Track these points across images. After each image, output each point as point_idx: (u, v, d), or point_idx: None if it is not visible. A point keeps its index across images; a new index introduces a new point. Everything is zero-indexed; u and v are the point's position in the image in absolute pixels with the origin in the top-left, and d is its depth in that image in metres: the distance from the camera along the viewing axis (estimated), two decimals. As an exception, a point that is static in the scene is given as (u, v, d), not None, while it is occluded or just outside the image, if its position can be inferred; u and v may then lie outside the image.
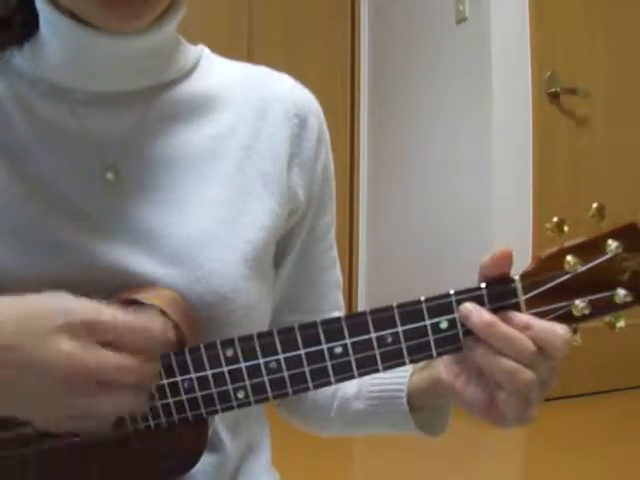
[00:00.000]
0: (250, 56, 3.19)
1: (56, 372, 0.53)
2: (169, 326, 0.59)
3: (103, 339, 0.55)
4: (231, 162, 0.72)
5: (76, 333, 0.54)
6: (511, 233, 2.70)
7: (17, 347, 0.53)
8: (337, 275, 0.86)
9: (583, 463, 2.19)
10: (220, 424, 0.72)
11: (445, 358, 0.63)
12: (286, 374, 0.61)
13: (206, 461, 0.69)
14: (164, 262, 0.66)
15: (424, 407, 0.74)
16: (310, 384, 0.61)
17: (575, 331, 0.60)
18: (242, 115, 0.75)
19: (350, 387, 0.78)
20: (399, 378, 0.74)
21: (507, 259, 0.60)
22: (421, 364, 0.72)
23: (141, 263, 0.66)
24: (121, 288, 0.64)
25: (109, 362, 0.54)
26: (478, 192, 2.81)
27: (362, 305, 3.53)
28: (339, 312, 0.84)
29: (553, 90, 2.82)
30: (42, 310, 0.55)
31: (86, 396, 0.54)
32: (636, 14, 2.99)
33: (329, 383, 0.61)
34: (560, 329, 0.57)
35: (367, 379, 0.76)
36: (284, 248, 0.79)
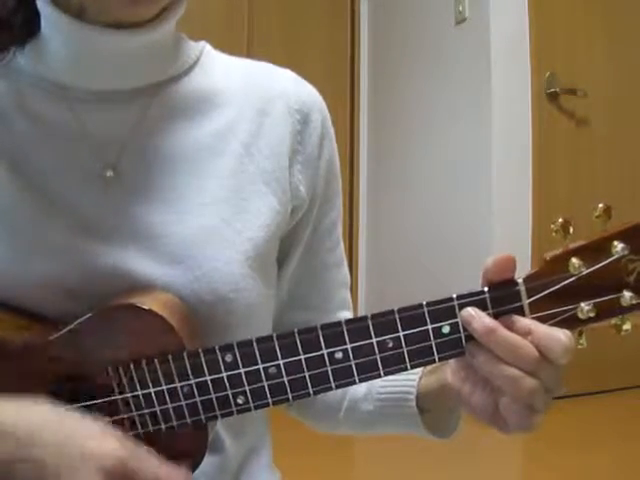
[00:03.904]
0: (249, 53, 3.18)
1: None
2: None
3: None
4: (232, 159, 0.72)
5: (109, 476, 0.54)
6: (511, 233, 2.70)
7: (47, 466, 0.53)
8: (344, 274, 0.85)
9: (583, 462, 2.18)
10: (222, 426, 0.72)
11: (452, 362, 0.62)
12: (286, 379, 0.60)
13: (208, 462, 0.68)
14: (163, 261, 0.66)
15: (433, 409, 0.73)
16: (310, 390, 0.60)
17: (580, 333, 0.59)
18: (243, 112, 0.74)
19: (360, 388, 0.78)
20: (409, 380, 0.73)
21: (510, 263, 0.59)
22: (430, 367, 0.71)
23: (140, 263, 0.65)
24: (120, 288, 0.64)
25: None
26: (477, 192, 2.81)
27: (362, 305, 3.52)
28: (346, 311, 0.84)
29: (552, 90, 2.82)
30: (79, 437, 0.55)
31: None
32: (635, 15, 2.99)
33: (329, 389, 0.60)
34: (562, 335, 0.56)
35: (377, 381, 0.75)
36: (288, 246, 0.78)
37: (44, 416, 0.56)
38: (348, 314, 0.83)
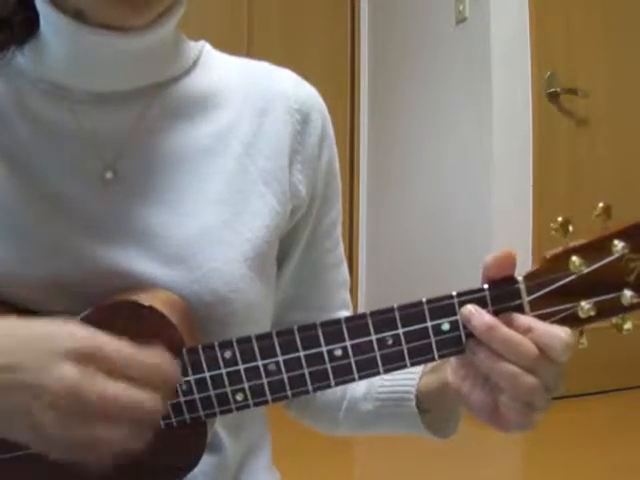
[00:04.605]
0: (249, 53, 3.18)
1: (53, 399, 0.50)
2: (178, 366, 0.56)
3: (107, 368, 0.52)
4: (231, 160, 0.72)
5: (81, 360, 0.51)
6: (511, 233, 2.69)
7: (17, 368, 0.51)
8: (343, 274, 0.85)
9: (583, 462, 2.19)
10: (220, 425, 0.72)
11: (452, 361, 0.62)
12: (285, 376, 0.60)
13: (207, 462, 0.68)
14: (163, 262, 0.66)
15: (433, 409, 0.73)
16: (310, 387, 0.60)
17: (581, 333, 0.59)
18: (243, 112, 0.74)
19: (359, 388, 0.77)
20: (408, 380, 0.73)
21: (511, 260, 0.59)
22: (430, 366, 0.71)
23: (140, 263, 0.66)
24: (121, 288, 0.64)
25: (110, 394, 0.51)
26: (478, 192, 2.81)
27: (362, 305, 3.52)
28: (346, 311, 0.84)
29: (553, 90, 2.82)
30: (47, 333, 0.53)
31: (80, 428, 0.51)
32: (635, 15, 2.99)
33: (329, 386, 0.60)
34: (563, 332, 0.56)
35: (376, 380, 0.75)
36: (288, 246, 0.78)
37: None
38: (347, 314, 0.83)
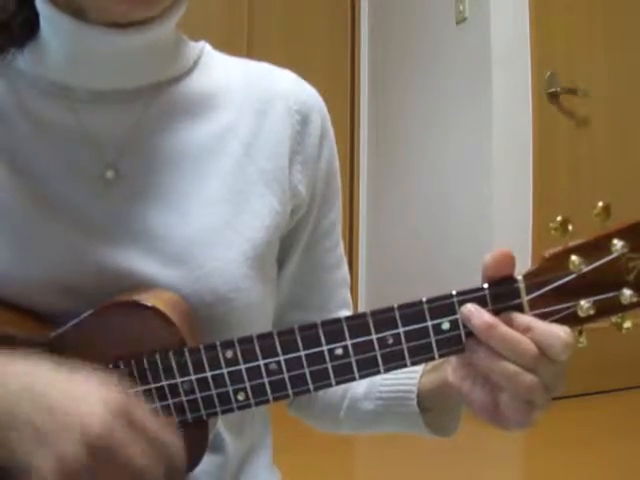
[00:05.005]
0: (249, 53, 3.18)
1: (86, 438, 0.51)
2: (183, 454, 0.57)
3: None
4: (231, 160, 0.72)
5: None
6: (511, 233, 2.69)
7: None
8: (344, 273, 0.85)
9: (584, 462, 2.18)
10: (223, 425, 0.72)
11: (452, 360, 0.62)
12: (286, 376, 0.60)
13: (209, 461, 0.69)
14: (164, 262, 0.66)
15: (434, 408, 0.73)
16: (310, 386, 0.61)
17: (580, 332, 0.59)
18: (243, 113, 0.74)
19: (360, 387, 0.78)
20: (409, 379, 0.73)
21: (508, 259, 0.59)
22: (431, 365, 0.71)
23: (142, 263, 0.66)
24: (122, 288, 0.64)
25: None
26: (478, 192, 2.81)
27: (362, 305, 3.52)
28: (346, 310, 0.84)
29: (553, 90, 2.82)
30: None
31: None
32: (635, 15, 2.99)
33: (329, 385, 0.61)
34: (562, 331, 0.56)
35: (377, 379, 0.76)
36: (288, 246, 0.78)
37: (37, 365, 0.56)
38: (348, 313, 0.83)
